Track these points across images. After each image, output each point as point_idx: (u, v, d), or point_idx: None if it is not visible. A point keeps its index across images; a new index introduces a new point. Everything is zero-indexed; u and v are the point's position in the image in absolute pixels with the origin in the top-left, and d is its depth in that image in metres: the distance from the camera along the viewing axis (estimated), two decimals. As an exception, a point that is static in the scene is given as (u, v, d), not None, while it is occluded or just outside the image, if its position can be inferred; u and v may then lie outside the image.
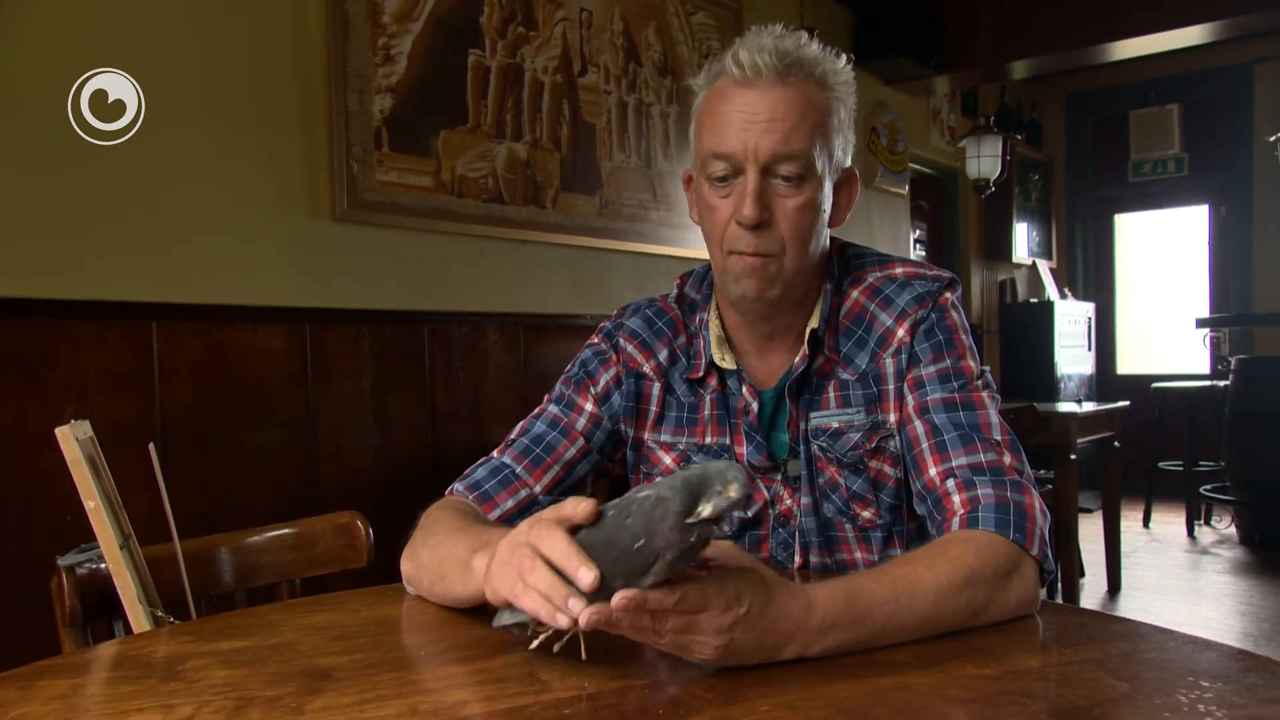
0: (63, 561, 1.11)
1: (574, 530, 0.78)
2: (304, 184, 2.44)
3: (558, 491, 1.19)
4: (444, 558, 0.97)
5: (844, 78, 1.09)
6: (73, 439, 1.02)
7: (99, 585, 1.13)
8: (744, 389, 1.15)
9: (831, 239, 1.18)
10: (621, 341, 1.22)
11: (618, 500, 0.76)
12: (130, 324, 2.09)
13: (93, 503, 1.03)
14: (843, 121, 1.09)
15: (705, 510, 0.70)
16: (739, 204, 1.05)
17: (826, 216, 1.11)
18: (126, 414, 2.07)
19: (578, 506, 0.77)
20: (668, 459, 1.19)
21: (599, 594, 0.72)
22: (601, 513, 0.76)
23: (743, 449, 1.16)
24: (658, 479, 0.74)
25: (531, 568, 0.77)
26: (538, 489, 1.17)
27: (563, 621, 0.74)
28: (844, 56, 1.10)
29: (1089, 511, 5.25)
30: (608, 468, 1.24)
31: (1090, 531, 4.57)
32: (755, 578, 0.78)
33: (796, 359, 1.13)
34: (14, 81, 1.93)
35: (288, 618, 0.99)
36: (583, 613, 0.72)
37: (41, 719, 0.72)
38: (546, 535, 0.77)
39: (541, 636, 0.79)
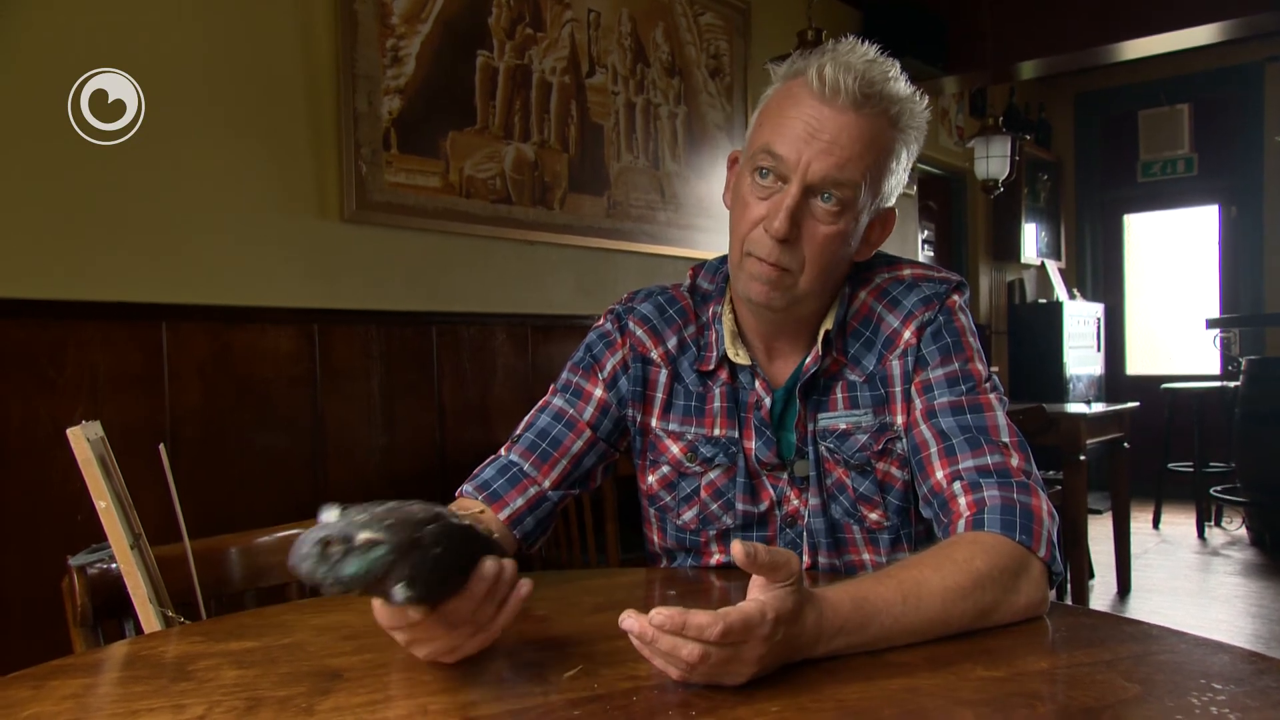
0: (74, 561, 1.11)
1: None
2: (312, 185, 2.44)
3: (565, 486, 1.18)
4: None
5: (919, 122, 1.06)
6: (84, 439, 1.03)
7: (110, 585, 1.13)
8: (757, 384, 1.15)
9: None
10: (631, 325, 1.21)
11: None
12: (139, 325, 2.10)
13: (103, 503, 1.03)
14: (901, 164, 1.07)
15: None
16: (773, 212, 1.03)
17: (854, 248, 1.10)
18: (136, 415, 2.08)
19: None
20: (675, 448, 1.19)
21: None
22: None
23: (751, 444, 1.15)
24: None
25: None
26: (546, 484, 1.17)
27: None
28: (925, 99, 1.08)
29: (1098, 513, 5.23)
30: (614, 458, 1.24)
31: (1099, 533, 4.55)
32: (794, 604, 0.76)
33: (808, 359, 1.13)
34: (14, 82, 1.94)
35: (298, 618, 0.99)
36: (622, 616, 0.72)
37: (53, 719, 0.72)
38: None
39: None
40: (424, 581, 0.68)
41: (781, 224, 1.02)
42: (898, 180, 1.08)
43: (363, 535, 0.65)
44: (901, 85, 1.04)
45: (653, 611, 0.71)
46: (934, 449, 1.06)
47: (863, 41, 1.06)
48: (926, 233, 5.65)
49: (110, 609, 1.14)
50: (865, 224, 1.08)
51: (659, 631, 0.71)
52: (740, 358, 1.15)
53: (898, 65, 1.05)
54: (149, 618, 1.05)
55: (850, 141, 1.01)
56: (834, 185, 1.02)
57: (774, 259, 1.05)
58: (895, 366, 1.12)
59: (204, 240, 2.22)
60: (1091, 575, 4.22)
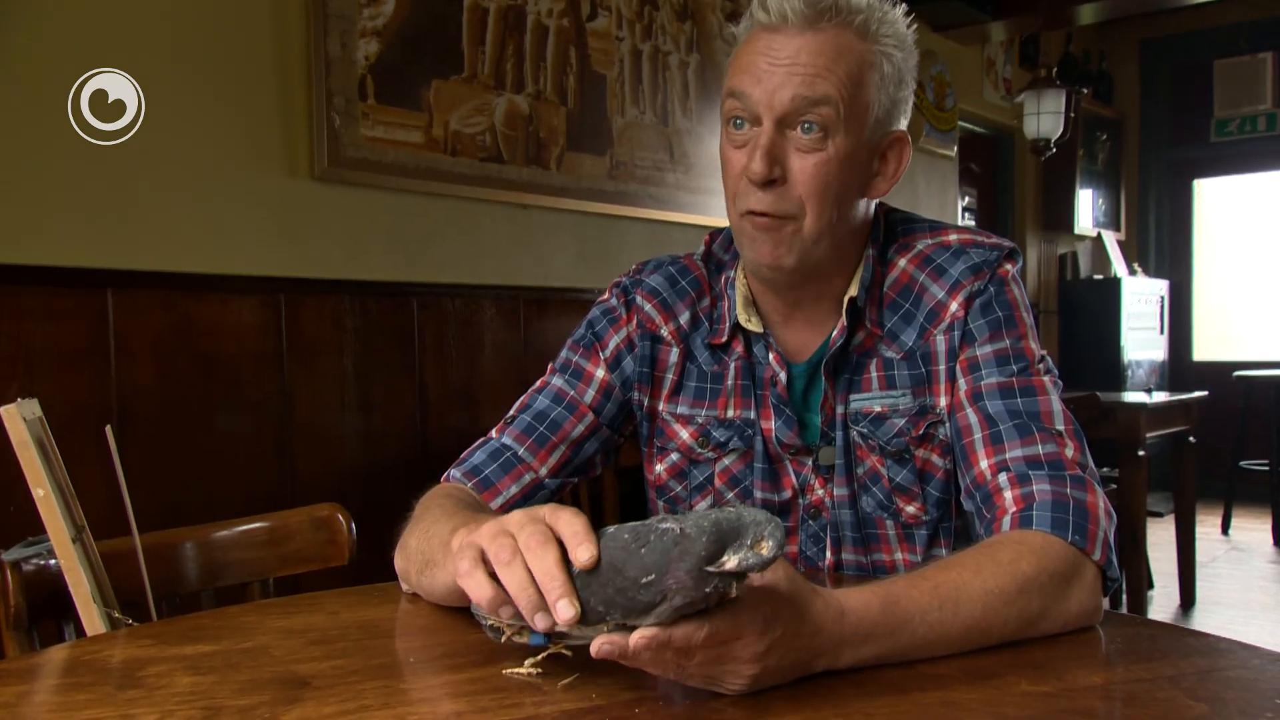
0: (7, 556, 1.12)
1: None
2: (279, 139, 2.43)
3: (565, 473, 1.19)
4: (430, 543, 0.97)
5: (894, 30, 1.07)
6: (19, 419, 1.03)
7: (48, 583, 1.13)
8: (770, 356, 1.15)
9: (878, 204, 1.18)
10: (639, 299, 1.22)
11: (636, 524, 0.74)
12: (83, 293, 2.10)
13: (42, 491, 1.03)
14: (889, 78, 1.07)
15: (730, 563, 0.69)
16: (750, 157, 1.05)
17: (861, 179, 1.10)
18: (79, 393, 2.08)
19: (579, 547, 0.73)
20: (685, 433, 1.20)
21: (587, 621, 0.72)
22: (608, 534, 0.74)
23: (770, 424, 1.16)
24: (685, 513, 0.72)
25: (509, 561, 0.74)
26: (543, 472, 1.17)
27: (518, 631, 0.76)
28: (901, 7, 1.09)
29: (1159, 516, 5.24)
30: (618, 443, 1.25)
31: (1161, 538, 4.55)
32: (788, 589, 0.76)
33: (834, 332, 1.13)
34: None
35: (261, 620, 0.99)
36: (595, 641, 0.71)
37: (-14, 728, 0.73)
38: (538, 546, 0.74)
39: (509, 635, 0.80)
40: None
41: (760, 164, 1.03)
42: (892, 97, 1.09)
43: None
44: None
45: (635, 635, 0.70)
46: (979, 435, 1.06)
47: None
48: (968, 199, 5.63)
49: (48, 609, 1.15)
50: (870, 151, 1.09)
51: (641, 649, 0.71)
52: (752, 324, 1.16)
53: None
54: (92, 619, 1.05)
55: (812, 58, 1.02)
56: (808, 107, 1.02)
57: (764, 207, 1.05)
58: (940, 342, 1.12)
59: (156, 199, 2.21)
60: (1151, 586, 4.23)
